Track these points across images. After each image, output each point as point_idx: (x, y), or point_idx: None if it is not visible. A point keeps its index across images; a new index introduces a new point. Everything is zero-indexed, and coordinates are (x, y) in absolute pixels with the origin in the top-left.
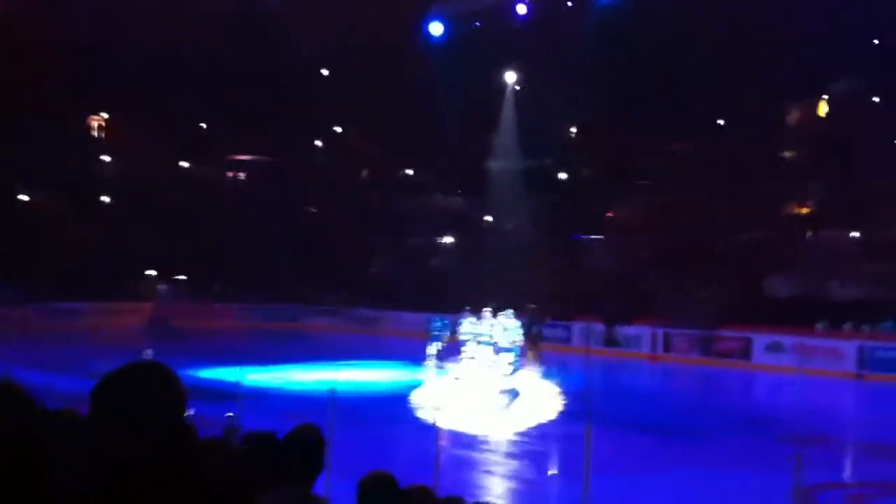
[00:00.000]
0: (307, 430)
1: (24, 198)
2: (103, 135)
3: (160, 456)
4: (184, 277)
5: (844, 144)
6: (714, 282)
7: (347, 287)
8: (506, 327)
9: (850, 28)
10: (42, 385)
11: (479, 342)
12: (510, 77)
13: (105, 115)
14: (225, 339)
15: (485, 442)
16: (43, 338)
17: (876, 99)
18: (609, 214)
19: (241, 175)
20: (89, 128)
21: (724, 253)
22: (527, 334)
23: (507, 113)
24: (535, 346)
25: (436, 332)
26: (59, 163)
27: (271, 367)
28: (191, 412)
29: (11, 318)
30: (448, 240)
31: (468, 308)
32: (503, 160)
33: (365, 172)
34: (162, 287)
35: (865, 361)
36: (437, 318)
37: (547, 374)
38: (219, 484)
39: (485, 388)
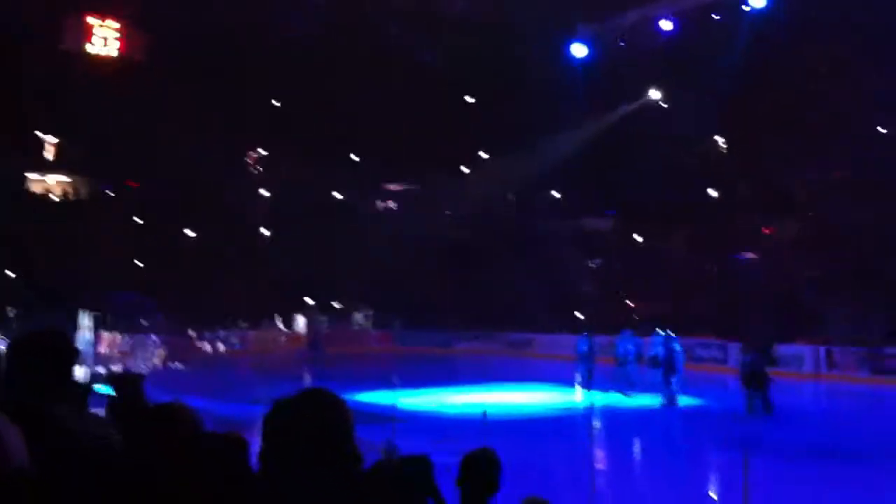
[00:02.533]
0: (483, 453)
1: (190, 233)
2: (260, 169)
3: (328, 478)
4: (339, 305)
5: None
6: (880, 294)
7: (495, 311)
8: (665, 348)
9: None
10: (204, 409)
11: (635, 363)
12: (655, 94)
13: (262, 151)
14: (376, 364)
15: (642, 465)
16: (205, 364)
17: None
18: (766, 231)
19: (392, 204)
20: (247, 163)
21: (889, 265)
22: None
23: (654, 130)
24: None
25: (585, 354)
26: (219, 198)
27: (423, 391)
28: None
29: (176, 346)
30: (596, 261)
31: (631, 329)
32: (649, 177)
33: (511, 196)
34: (317, 315)
35: None
36: (586, 340)
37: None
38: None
39: (643, 410)
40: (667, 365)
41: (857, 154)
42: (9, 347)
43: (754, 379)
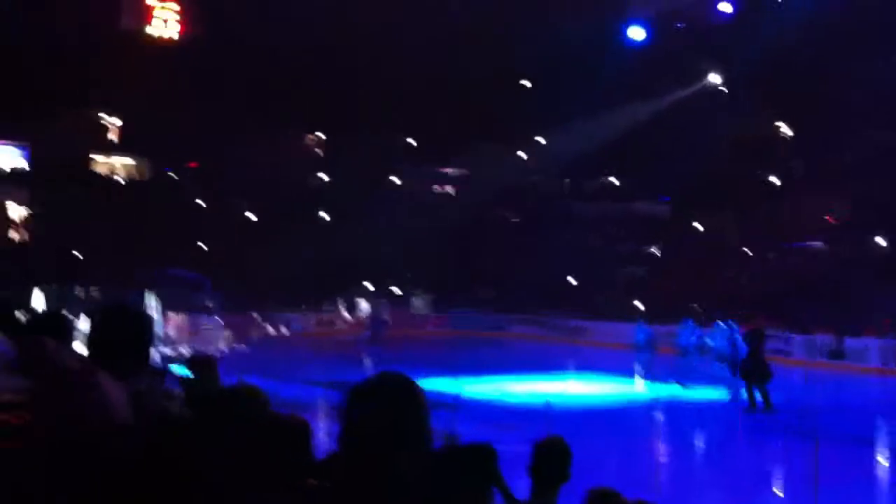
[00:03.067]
0: (555, 441)
1: (251, 216)
2: (319, 152)
3: (401, 461)
4: (395, 289)
5: None
6: None
7: (548, 296)
8: (726, 338)
9: None
10: (266, 391)
11: (693, 353)
12: (714, 78)
13: (321, 135)
14: (432, 349)
15: (705, 456)
16: (263, 345)
17: None
18: (827, 218)
19: (448, 188)
20: (306, 146)
21: None
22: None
23: (713, 115)
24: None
25: (642, 344)
26: (279, 180)
27: (482, 378)
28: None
29: (239, 327)
30: (651, 247)
31: (692, 319)
32: (708, 162)
33: (567, 181)
34: (374, 299)
35: None
36: (642, 329)
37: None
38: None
39: (706, 403)
40: (732, 359)
41: None
42: (90, 325)
43: (748, 372)
